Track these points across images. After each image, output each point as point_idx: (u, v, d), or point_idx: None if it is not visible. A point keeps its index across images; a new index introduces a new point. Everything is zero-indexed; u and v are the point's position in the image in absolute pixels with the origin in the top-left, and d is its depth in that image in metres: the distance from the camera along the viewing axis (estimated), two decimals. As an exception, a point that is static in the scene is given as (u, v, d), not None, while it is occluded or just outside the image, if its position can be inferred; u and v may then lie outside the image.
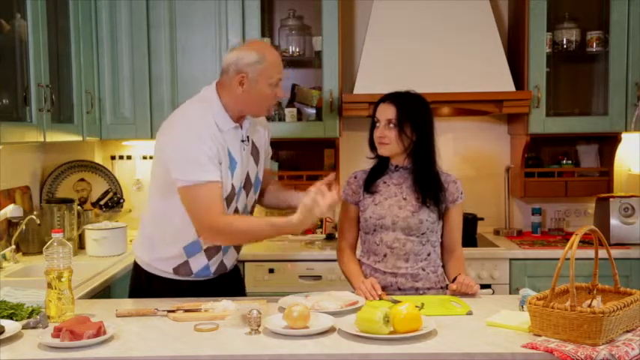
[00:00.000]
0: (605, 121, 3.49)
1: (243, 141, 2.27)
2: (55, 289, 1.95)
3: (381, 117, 2.35)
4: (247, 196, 2.33)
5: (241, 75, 2.18)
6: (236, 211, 2.28)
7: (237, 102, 2.22)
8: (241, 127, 2.27)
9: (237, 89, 2.20)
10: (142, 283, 2.35)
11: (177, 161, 2.12)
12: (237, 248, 2.42)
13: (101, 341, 1.75)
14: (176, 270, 2.28)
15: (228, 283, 2.41)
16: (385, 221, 2.34)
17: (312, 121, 3.61)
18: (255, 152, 2.35)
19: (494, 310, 2.01)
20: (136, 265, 2.40)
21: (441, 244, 2.44)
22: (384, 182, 2.41)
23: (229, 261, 2.38)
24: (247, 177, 2.31)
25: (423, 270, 2.36)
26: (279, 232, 2.21)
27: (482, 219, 3.68)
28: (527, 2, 3.45)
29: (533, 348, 1.68)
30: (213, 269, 2.32)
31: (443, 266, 2.44)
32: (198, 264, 2.29)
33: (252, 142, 2.34)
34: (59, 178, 3.47)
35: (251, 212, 2.42)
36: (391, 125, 2.33)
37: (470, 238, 3.53)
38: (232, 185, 2.21)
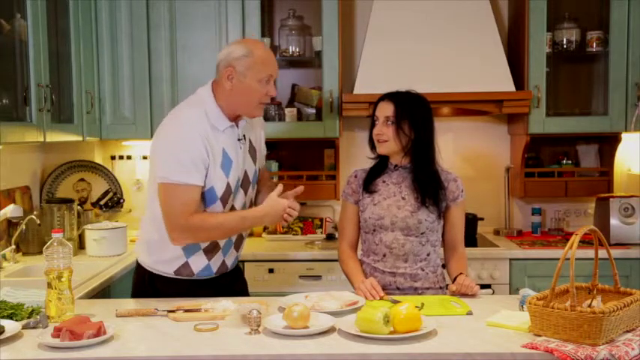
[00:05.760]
0: (605, 121, 3.49)
1: (239, 139, 2.27)
2: (55, 289, 1.95)
3: (380, 114, 2.36)
4: (246, 194, 2.33)
5: (229, 68, 2.18)
6: (232, 209, 2.28)
7: (228, 99, 2.21)
8: (237, 125, 2.26)
9: (226, 84, 2.20)
10: (145, 284, 2.34)
11: (163, 160, 2.16)
12: (238, 248, 2.41)
13: (101, 341, 1.75)
14: (178, 272, 2.29)
15: (230, 282, 2.41)
16: (384, 221, 2.34)
17: (312, 121, 3.61)
18: (252, 151, 2.35)
19: (494, 310, 2.01)
20: (138, 267, 2.40)
21: (443, 242, 2.44)
22: (384, 181, 2.41)
23: (230, 261, 2.39)
24: (245, 175, 2.31)
25: (422, 270, 2.35)
26: (247, 224, 2.28)
27: (482, 219, 3.68)
28: (527, 2, 3.45)
29: (533, 348, 1.68)
30: (215, 269, 2.33)
31: (445, 265, 2.44)
32: (199, 264, 2.29)
33: (250, 141, 2.34)
34: (59, 178, 3.47)
35: None
36: (389, 122, 2.33)
37: (470, 238, 3.53)
38: (228, 184, 2.21)
